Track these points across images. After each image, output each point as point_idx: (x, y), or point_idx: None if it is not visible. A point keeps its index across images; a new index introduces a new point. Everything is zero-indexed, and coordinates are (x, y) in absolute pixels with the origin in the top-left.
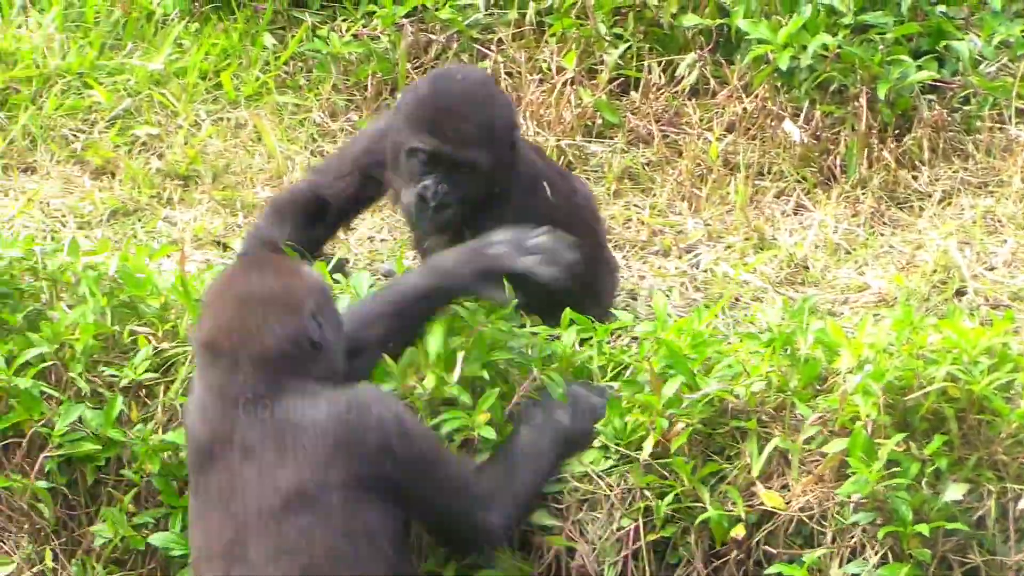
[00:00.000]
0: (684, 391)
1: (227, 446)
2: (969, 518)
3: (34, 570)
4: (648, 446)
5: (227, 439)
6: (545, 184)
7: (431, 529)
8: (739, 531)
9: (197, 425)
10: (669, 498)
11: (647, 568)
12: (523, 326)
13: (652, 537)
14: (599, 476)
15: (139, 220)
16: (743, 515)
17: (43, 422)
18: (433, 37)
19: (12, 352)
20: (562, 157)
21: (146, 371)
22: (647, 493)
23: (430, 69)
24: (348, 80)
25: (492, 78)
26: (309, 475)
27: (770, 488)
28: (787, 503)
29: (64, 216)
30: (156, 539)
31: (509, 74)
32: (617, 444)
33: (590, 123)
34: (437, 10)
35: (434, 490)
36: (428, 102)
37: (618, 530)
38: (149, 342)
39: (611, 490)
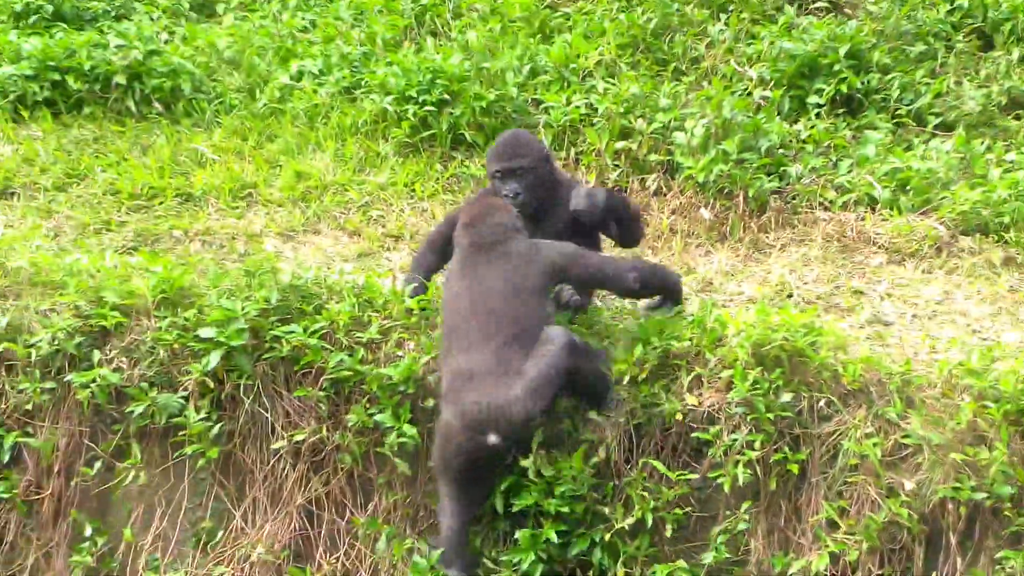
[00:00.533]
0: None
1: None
2: (794, 410)
3: (315, 438)
4: (627, 377)
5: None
6: (582, 180)
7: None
8: (678, 417)
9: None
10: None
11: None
12: None
13: (635, 422)
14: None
15: (373, 259)
16: (679, 408)
17: (321, 362)
18: None
19: (309, 326)
20: None
21: (378, 333)
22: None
23: None
24: None
25: (528, 132)
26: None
27: (693, 395)
28: (700, 403)
29: (335, 258)
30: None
31: None
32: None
33: None
34: None
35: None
36: (494, 147)
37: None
38: (378, 319)
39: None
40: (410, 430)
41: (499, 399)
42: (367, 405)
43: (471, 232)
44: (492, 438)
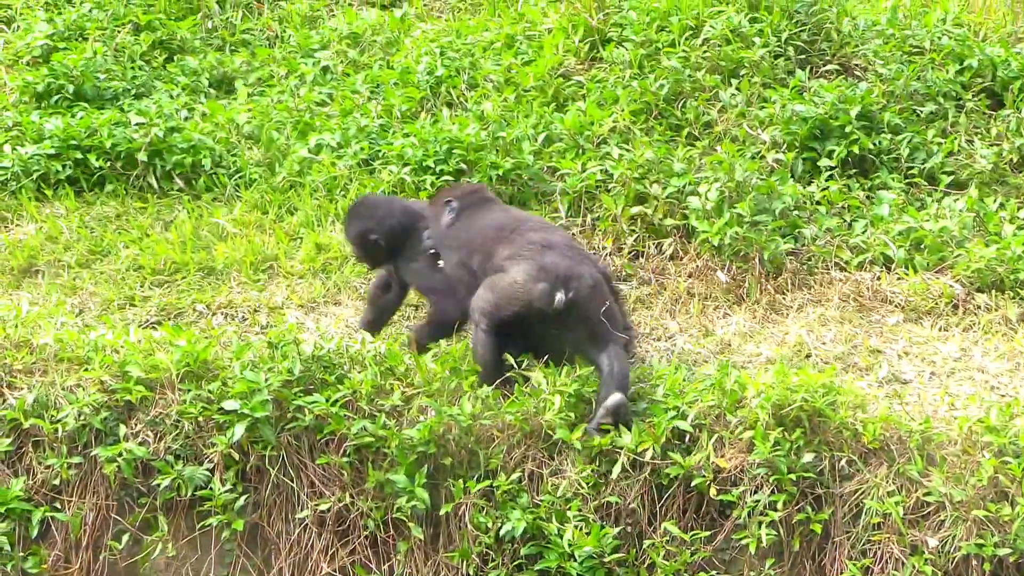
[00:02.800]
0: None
1: None
2: (815, 469)
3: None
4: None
5: None
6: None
7: None
8: (700, 479)
9: None
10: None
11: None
12: None
13: (656, 483)
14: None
15: (394, 327)
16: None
17: (343, 430)
18: None
19: (331, 395)
20: None
21: (400, 400)
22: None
23: None
24: None
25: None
26: None
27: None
28: (722, 465)
29: (356, 328)
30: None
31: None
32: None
33: (619, 274)
34: None
35: None
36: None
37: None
38: (400, 387)
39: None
40: (422, 493)
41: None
42: (387, 468)
43: None
44: (560, 296)
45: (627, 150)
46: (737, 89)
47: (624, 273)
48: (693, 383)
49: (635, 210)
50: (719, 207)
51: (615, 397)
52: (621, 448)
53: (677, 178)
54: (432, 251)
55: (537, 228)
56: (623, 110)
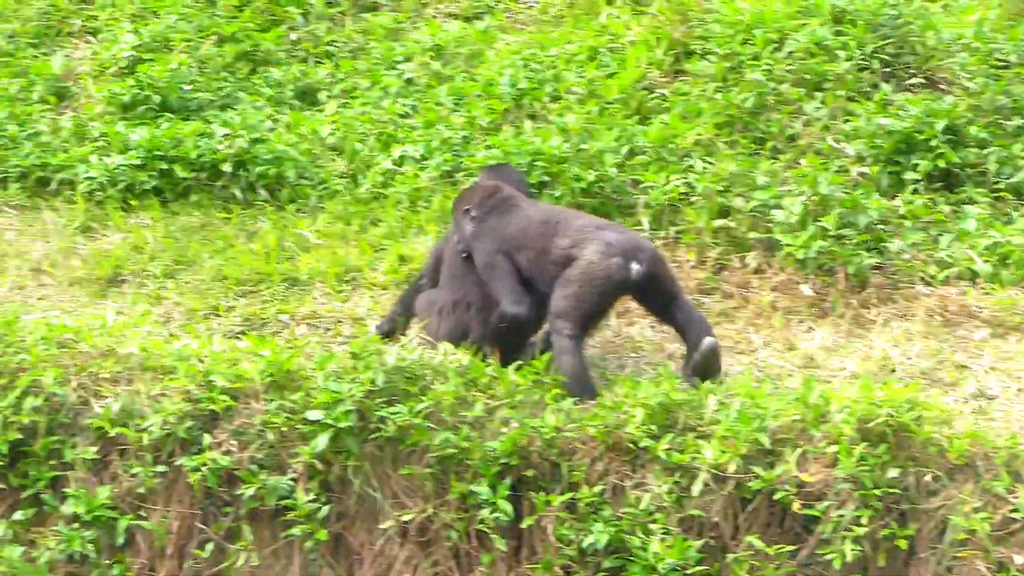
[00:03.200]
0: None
1: None
2: (900, 485)
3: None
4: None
5: None
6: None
7: None
8: (784, 493)
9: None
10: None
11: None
12: None
13: (740, 497)
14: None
15: None
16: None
17: (426, 441)
18: None
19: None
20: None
21: (483, 412)
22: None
23: None
24: None
25: None
26: None
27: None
28: (807, 479)
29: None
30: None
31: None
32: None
33: (703, 287)
34: None
35: None
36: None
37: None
38: (482, 398)
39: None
40: (505, 505)
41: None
42: (470, 480)
43: None
44: (635, 266)
45: (711, 163)
46: (821, 102)
47: (708, 286)
48: (777, 397)
49: (719, 223)
50: (803, 220)
51: (708, 341)
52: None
53: (761, 191)
54: (464, 254)
55: (579, 215)
56: (707, 123)
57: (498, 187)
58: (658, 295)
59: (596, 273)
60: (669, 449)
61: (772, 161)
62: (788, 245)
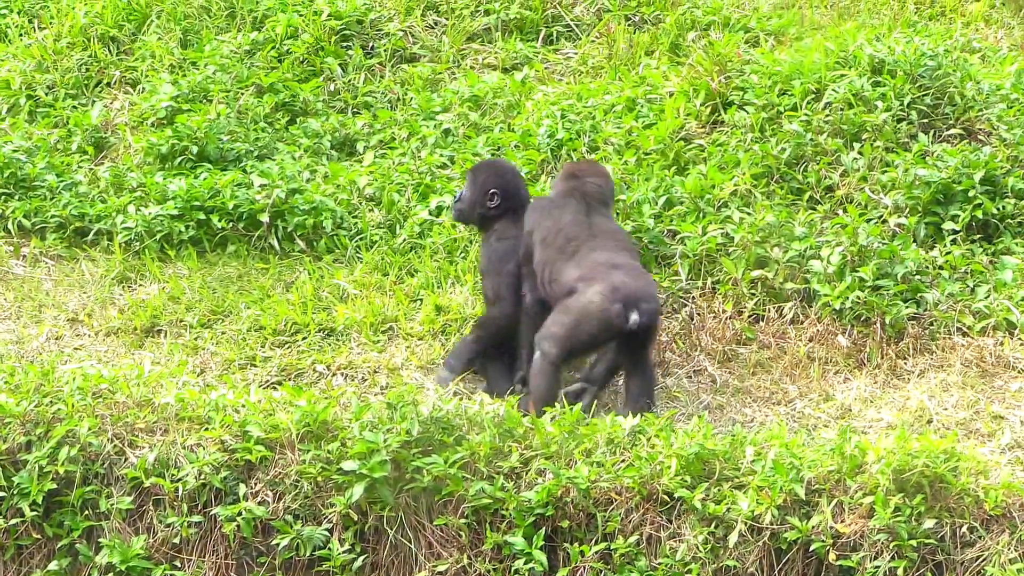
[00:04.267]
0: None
1: None
2: (936, 536)
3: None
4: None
5: None
6: None
7: None
8: (820, 544)
9: None
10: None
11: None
12: None
13: (775, 547)
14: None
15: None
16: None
17: (462, 491)
18: (660, 295)
19: (450, 456)
20: (724, 356)
21: (519, 462)
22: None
23: None
24: None
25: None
26: None
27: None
28: (842, 530)
29: (474, 389)
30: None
31: (699, 314)
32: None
33: (739, 337)
34: (662, 281)
35: None
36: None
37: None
38: (518, 449)
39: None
40: (540, 555)
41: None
42: (505, 530)
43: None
44: (634, 316)
45: (748, 213)
46: (859, 153)
47: (744, 337)
48: (812, 447)
49: (756, 273)
50: (841, 271)
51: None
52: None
53: (798, 242)
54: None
55: (600, 248)
56: (744, 173)
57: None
58: (637, 346)
59: (593, 314)
60: (704, 499)
61: (810, 212)
62: (825, 295)
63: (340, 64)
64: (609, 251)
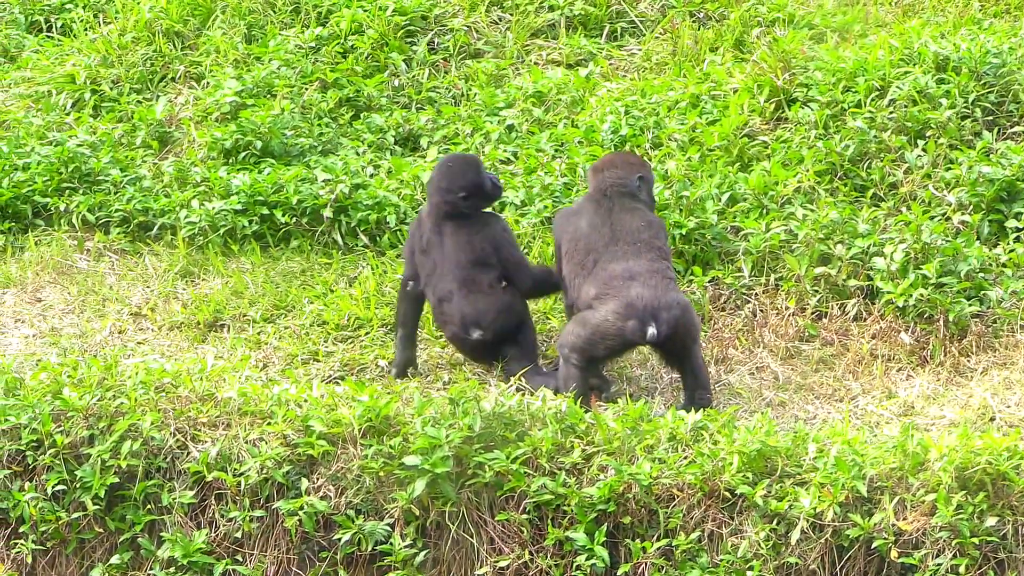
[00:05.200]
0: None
1: None
2: (998, 534)
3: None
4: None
5: None
6: None
7: None
8: (882, 541)
9: None
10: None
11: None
12: None
13: (837, 545)
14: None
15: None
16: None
17: (524, 487)
18: (722, 292)
19: (511, 452)
20: (786, 353)
21: (581, 458)
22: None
23: (719, 310)
24: None
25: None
26: None
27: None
28: (904, 528)
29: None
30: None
31: (762, 310)
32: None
33: (802, 334)
34: (724, 278)
35: None
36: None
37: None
38: (580, 445)
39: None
40: (601, 551)
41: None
42: (566, 526)
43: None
44: (651, 330)
45: (811, 210)
46: (923, 150)
47: (807, 334)
48: (875, 445)
49: (819, 271)
50: (904, 268)
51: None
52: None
53: (862, 239)
54: None
55: (618, 256)
56: (808, 170)
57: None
58: (675, 350)
59: (608, 331)
60: (766, 496)
61: (873, 209)
62: (888, 292)
63: (404, 60)
64: (627, 259)
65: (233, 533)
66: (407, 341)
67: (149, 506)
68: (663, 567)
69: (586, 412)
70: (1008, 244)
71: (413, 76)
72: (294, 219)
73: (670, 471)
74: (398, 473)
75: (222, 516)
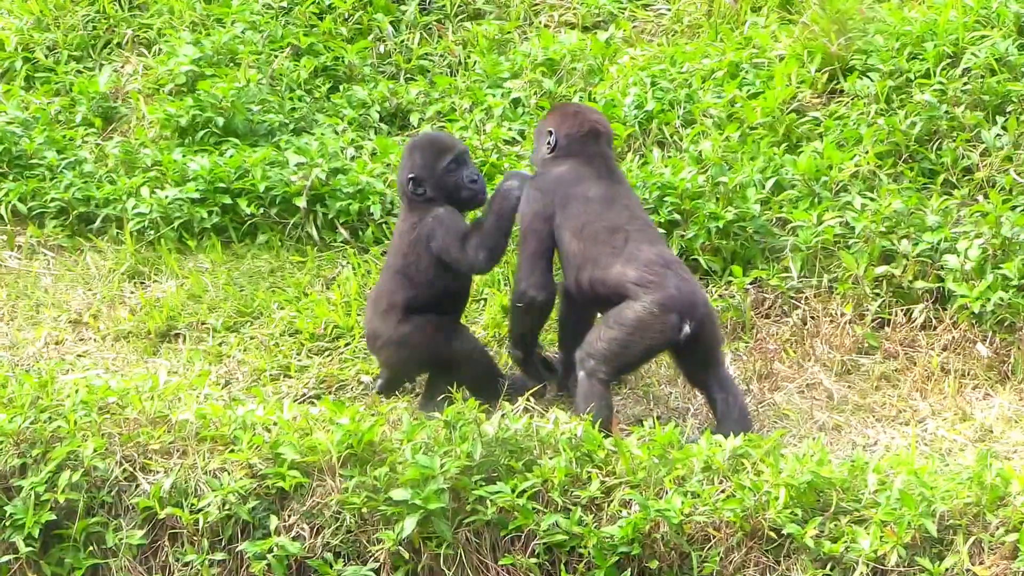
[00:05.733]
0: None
1: None
2: None
3: None
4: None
5: None
6: None
7: None
8: None
9: None
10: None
11: None
12: None
13: None
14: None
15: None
16: None
17: (532, 525)
18: (767, 296)
19: (518, 485)
20: (842, 368)
21: (600, 492)
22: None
23: (762, 316)
24: None
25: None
26: None
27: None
28: (988, 571)
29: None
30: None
31: (813, 317)
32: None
33: (861, 346)
34: (769, 278)
35: None
36: (435, 140)
37: None
38: (599, 476)
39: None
40: None
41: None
42: (583, 571)
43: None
44: (687, 327)
45: (871, 199)
46: (1003, 128)
47: (867, 345)
48: (946, 476)
49: (880, 270)
50: (981, 268)
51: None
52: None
53: (930, 233)
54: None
55: (645, 237)
56: (867, 152)
57: (596, 130)
58: (701, 357)
59: (652, 326)
60: (818, 536)
61: (944, 197)
62: (962, 296)
63: (391, 22)
64: (654, 242)
65: None
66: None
67: (91, 548)
68: None
69: (606, 437)
70: None
71: (401, 41)
72: (261, 210)
73: (705, 507)
74: (384, 509)
75: (177, 560)
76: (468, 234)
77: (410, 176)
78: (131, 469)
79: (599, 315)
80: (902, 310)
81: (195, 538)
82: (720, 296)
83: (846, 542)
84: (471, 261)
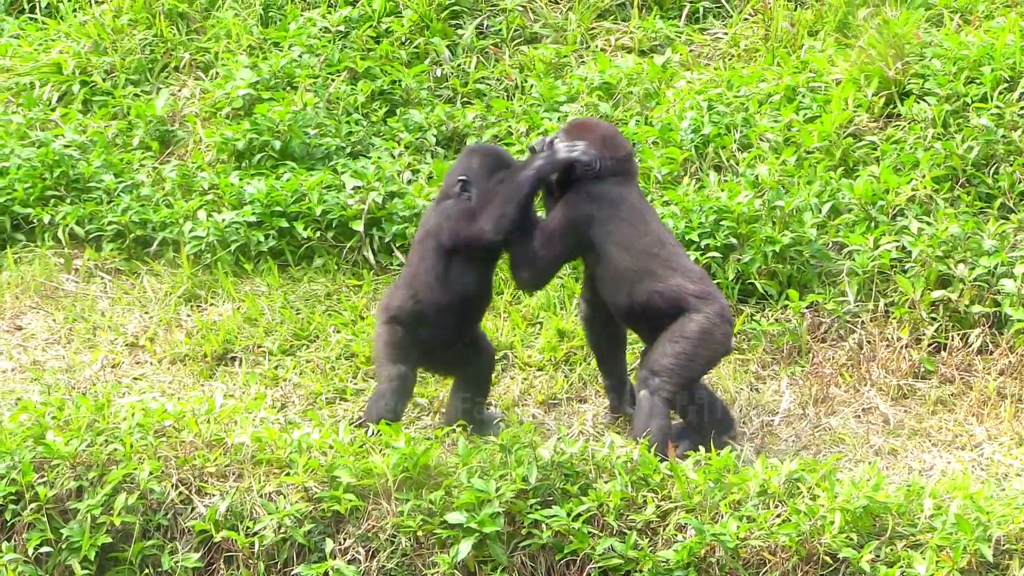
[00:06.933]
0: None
1: None
2: None
3: None
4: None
5: None
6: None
7: None
8: None
9: None
10: None
11: None
12: None
13: None
14: None
15: None
16: None
17: (587, 549)
18: (823, 320)
19: (573, 509)
20: (898, 393)
21: (655, 516)
22: None
23: (819, 341)
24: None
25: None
26: None
27: None
28: None
29: (603, 429)
30: None
31: (869, 342)
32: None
33: (916, 370)
34: (825, 303)
35: None
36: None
37: None
38: (654, 500)
39: None
40: None
41: None
42: None
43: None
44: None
45: (928, 223)
46: None
47: (923, 369)
48: (1003, 501)
49: (937, 294)
50: None
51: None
52: None
53: (988, 257)
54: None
55: (682, 251)
56: (924, 176)
57: (628, 143)
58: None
59: (716, 335)
60: (874, 561)
61: (1001, 222)
62: (1019, 321)
63: (448, 46)
64: (691, 262)
65: None
66: None
67: (147, 570)
68: None
69: (661, 461)
70: None
71: (458, 65)
72: (318, 233)
73: (760, 531)
74: (439, 532)
75: None
76: (476, 209)
77: (461, 178)
78: (187, 492)
79: (628, 332)
80: (958, 334)
81: (251, 561)
82: (776, 320)
83: (902, 567)
84: (479, 232)
